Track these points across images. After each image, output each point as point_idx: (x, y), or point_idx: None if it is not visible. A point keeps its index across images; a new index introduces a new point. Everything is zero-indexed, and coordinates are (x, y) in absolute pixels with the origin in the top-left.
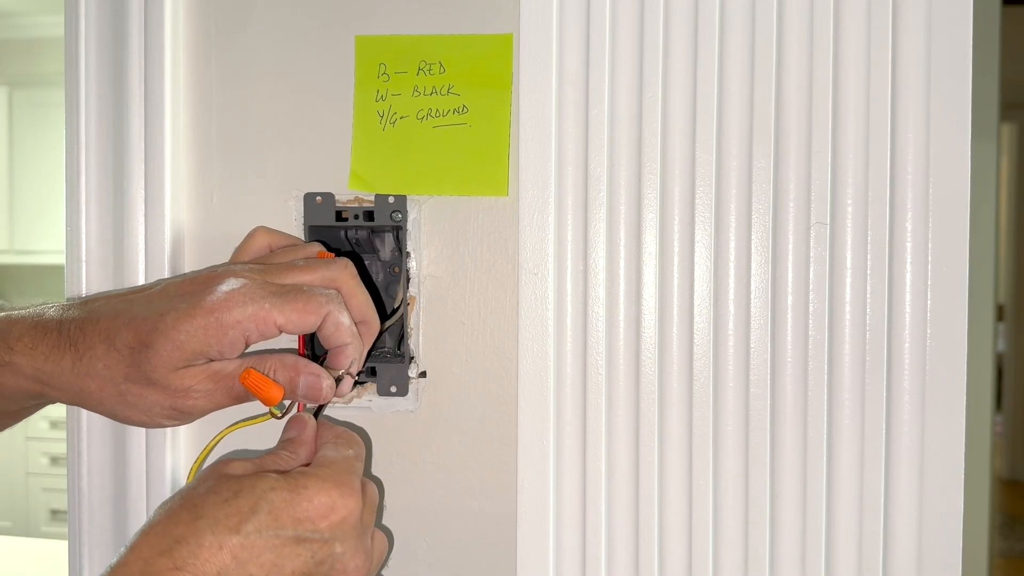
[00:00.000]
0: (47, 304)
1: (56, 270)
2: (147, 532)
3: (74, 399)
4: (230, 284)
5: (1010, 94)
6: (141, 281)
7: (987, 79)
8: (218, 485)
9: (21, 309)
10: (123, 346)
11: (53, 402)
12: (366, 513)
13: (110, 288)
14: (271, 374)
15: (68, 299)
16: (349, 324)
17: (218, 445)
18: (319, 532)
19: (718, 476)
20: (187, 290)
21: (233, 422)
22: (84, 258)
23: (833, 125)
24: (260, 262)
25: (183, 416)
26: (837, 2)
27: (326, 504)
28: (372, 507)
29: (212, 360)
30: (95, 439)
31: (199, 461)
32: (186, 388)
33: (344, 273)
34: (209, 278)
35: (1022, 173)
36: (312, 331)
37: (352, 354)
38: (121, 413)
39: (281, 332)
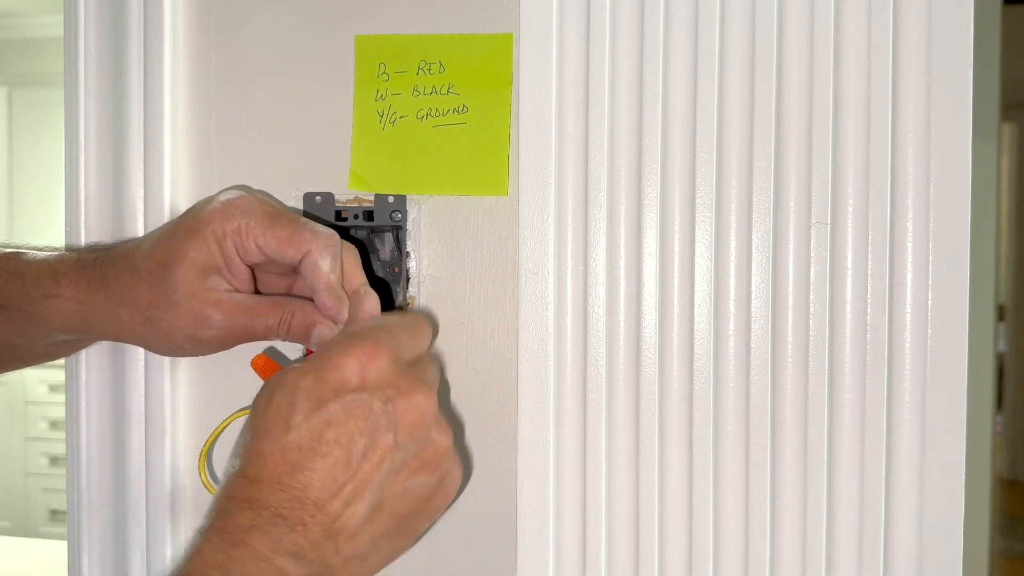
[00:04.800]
0: (95, 245)
1: None
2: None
3: (110, 330)
4: (227, 195)
5: (1011, 94)
6: None
7: (988, 79)
8: (255, 403)
9: (68, 251)
10: (145, 271)
11: (90, 341)
12: (410, 366)
13: None
14: (288, 318)
15: (106, 244)
16: (328, 272)
17: (223, 433)
18: (360, 393)
19: (718, 476)
20: (193, 207)
21: (239, 408)
22: None
23: (834, 125)
24: None
25: (202, 346)
26: (838, 2)
27: (351, 365)
28: (412, 353)
29: (229, 284)
30: (94, 439)
31: (206, 447)
32: (205, 316)
33: (347, 246)
34: (211, 198)
35: (1023, 173)
36: (293, 263)
37: (325, 308)
38: (151, 340)
39: (265, 255)
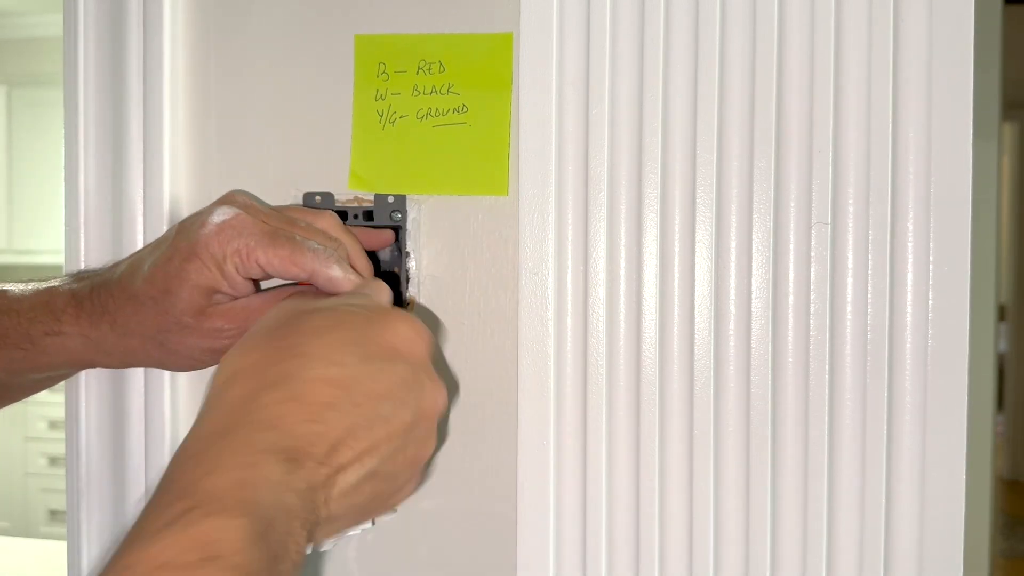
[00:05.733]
0: (79, 273)
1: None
2: (242, 370)
3: (124, 360)
4: (221, 215)
5: (1011, 93)
6: None
7: (988, 78)
8: (299, 316)
9: (53, 280)
10: (147, 299)
11: (104, 367)
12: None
13: None
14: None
15: (92, 269)
16: (344, 276)
17: None
18: (402, 363)
19: (719, 476)
20: (186, 227)
21: None
22: (83, 258)
23: (834, 125)
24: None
25: (221, 354)
26: (838, 2)
27: (405, 333)
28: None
29: (233, 296)
30: (93, 440)
31: None
32: (217, 329)
33: (330, 218)
34: (205, 210)
35: (1023, 173)
36: (300, 279)
37: None
38: (169, 362)
39: (267, 273)
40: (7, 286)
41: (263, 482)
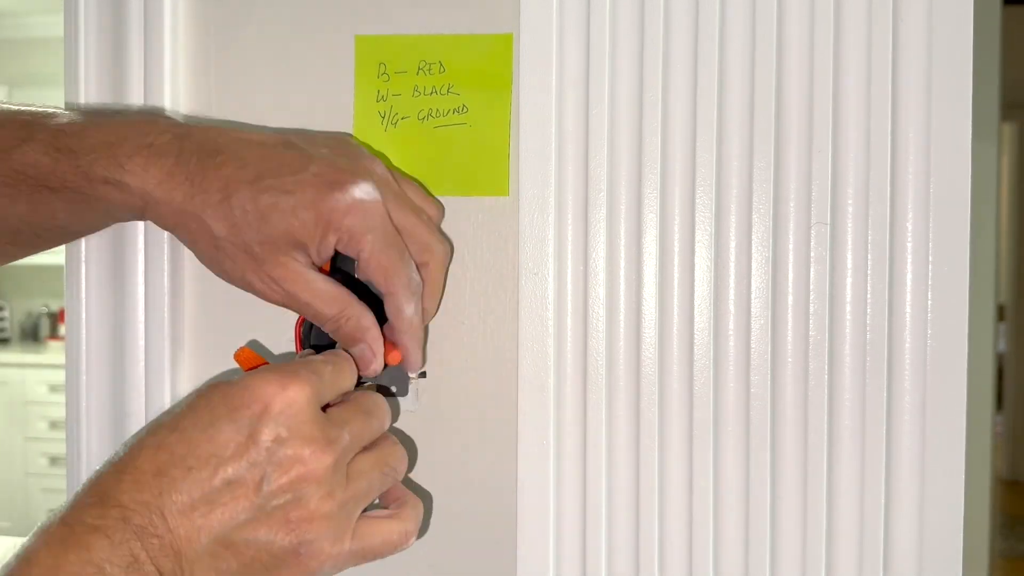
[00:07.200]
0: (153, 115)
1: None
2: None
3: (172, 228)
4: (364, 191)
5: (1011, 94)
6: (140, 281)
7: (988, 79)
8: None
9: (120, 116)
10: (238, 207)
11: (147, 220)
12: (340, 411)
13: (108, 289)
14: (343, 322)
15: (172, 119)
16: (410, 318)
17: None
18: (255, 420)
19: (718, 476)
20: (321, 173)
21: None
22: (84, 258)
23: (834, 125)
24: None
25: (253, 292)
26: (838, 2)
27: (260, 390)
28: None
29: (309, 260)
30: (94, 440)
31: None
32: (274, 277)
33: (442, 257)
34: (351, 172)
35: (1023, 173)
36: (378, 290)
37: (407, 354)
38: (206, 258)
39: (360, 263)
40: (56, 110)
41: (78, 565)
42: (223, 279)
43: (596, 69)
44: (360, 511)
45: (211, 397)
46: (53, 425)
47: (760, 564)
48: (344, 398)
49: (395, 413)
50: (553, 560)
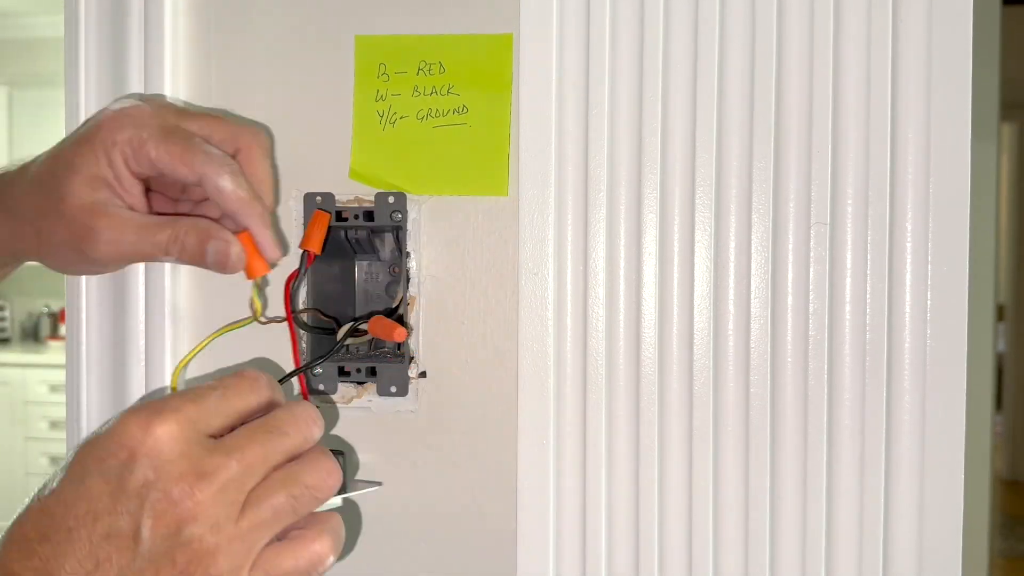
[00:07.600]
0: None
1: None
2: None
3: (6, 244)
4: (121, 103)
5: (1010, 94)
6: (140, 282)
7: (987, 79)
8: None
9: None
10: (36, 180)
11: (16, 264)
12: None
13: (109, 288)
14: (181, 236)
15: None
16: (233, 190)
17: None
18: (123, 467)
19: (718, 475)
20: (91, 117)
21: (217, 328)
22: None
23: (833, 125)
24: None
25: (92, 264)
26: (837, 2)
27: (124, 432)
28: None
29: (121, 201)
30: None
31: (180, 367)
32: (92, 228)
33: (251, 140)
34: (110, 108)
35: (1022, 173)
36: (188, 181)
37: (255, 236)
38: (42, 252)
39: (158, 169)
40: None
41: None
42: (71, 271)
43: (596, 69)
44: (266, 540)
45: (81, 452)
46: (53, 425)
47: (760, 564)
48: (256, 416)
49: (332, 420)
50: (553, 560)
